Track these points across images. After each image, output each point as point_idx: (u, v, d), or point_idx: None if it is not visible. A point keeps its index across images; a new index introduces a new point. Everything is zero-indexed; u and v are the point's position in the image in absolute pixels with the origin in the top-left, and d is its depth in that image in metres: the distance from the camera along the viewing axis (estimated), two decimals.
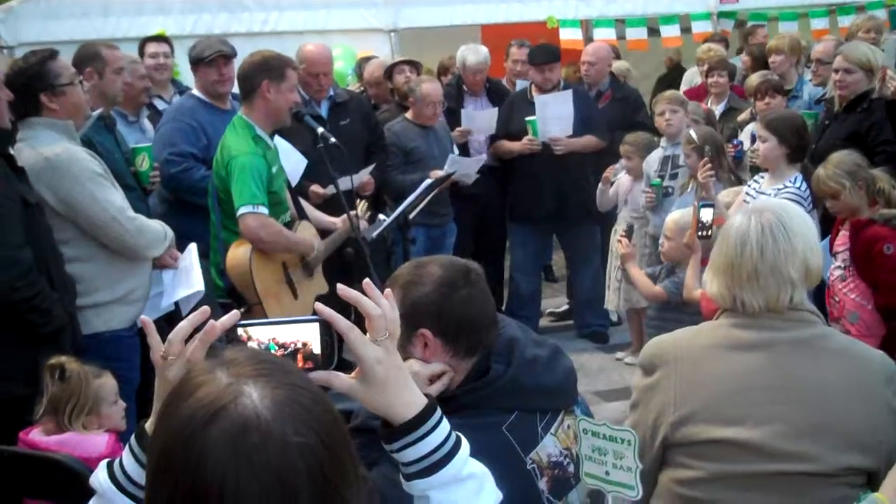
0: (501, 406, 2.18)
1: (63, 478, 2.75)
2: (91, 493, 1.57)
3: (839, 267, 4.42)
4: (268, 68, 4.35)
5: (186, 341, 1.51)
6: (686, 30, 9.42)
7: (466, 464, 1.56)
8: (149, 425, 1.54)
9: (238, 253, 4.25)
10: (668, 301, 4.88)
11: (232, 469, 1.08)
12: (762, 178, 4.97)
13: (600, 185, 6.40)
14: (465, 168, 6.43)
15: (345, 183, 4.76)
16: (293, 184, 5.06)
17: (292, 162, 5.15)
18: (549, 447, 2.21)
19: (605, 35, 8.87)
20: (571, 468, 2.22)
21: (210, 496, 1.09)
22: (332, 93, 6.01)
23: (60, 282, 3.72)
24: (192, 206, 4.93)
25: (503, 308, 6.84)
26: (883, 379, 2.39)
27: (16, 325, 3.52)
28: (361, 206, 4.86)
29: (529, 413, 2.21)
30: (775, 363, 2.37)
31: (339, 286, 1.55)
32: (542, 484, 2.18)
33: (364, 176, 5.72)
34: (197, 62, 5.38)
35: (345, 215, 4.62)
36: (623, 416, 2.70)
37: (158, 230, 4.16)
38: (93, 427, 3.16)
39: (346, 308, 1.56)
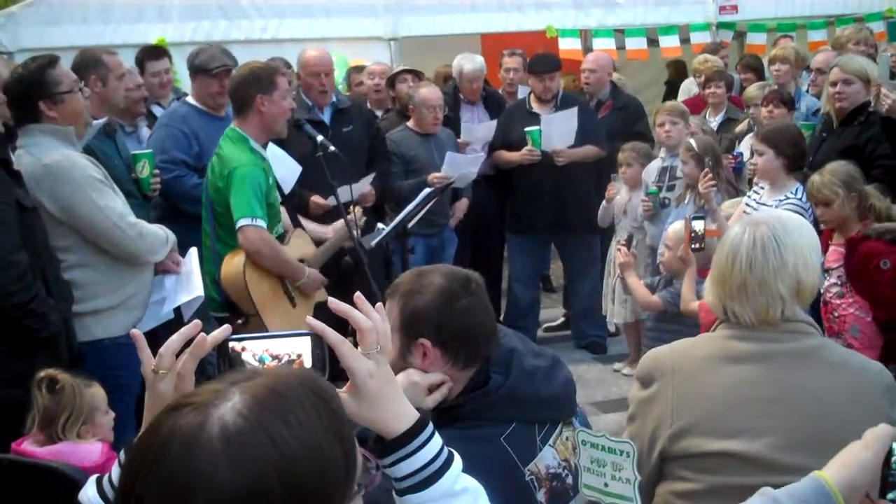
0: (500, 417, 2.17)
1: (58, 486, 2.74)
2: None
3: (836, 284, 4.42)
4: (257, 80, 4.32)
5: (177, 355, 1.50)
6: (685, 40, 9.44)
7: (459, 478, 1.56)
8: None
9: (232, 264, 4.24)
10: (664, 311, 4.89)
11: (151, 461, 1.09)
12: (763, 188, 4.97)
13: (603, 202, 6.41)
14: (464, 167, 6.41)
15: (345, 193, 4.76)
16: (286, 191, 5.05)
17: (286, 169, 5.14)
18: (547, 459, 2.20)
19: (604, 45, 8.90)
20: (570, 480, 2.21)
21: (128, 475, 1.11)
22: (334, 98, 6.00)
23: (57, 287, 3.71)
24: (185, 214, 4.91)
25: (501, 318, 6.83)
26: (880, 390, 2.39)
27: (11, 331, 3.50)
28: (357, 212, 4.84)
29: (528, 424, 2.21)
30: (773, 375, 2.37)
31: (331, 300, 1.56)
32: (541, 496, 2.17)
33: (364, 186, 5.70)
34: (199, 71, 5.31)
35: (336, 223, 4.60)
36: (621, 427, 2.69)
37: (160, 235, 4.15)
38: (87, 437, 3.14)
39: (342, 321, 1.56)
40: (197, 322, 1.52)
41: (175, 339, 1.51)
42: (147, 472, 1.08)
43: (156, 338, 3.90)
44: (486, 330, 2.20)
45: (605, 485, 2.06)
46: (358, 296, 1.57)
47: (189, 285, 4.14)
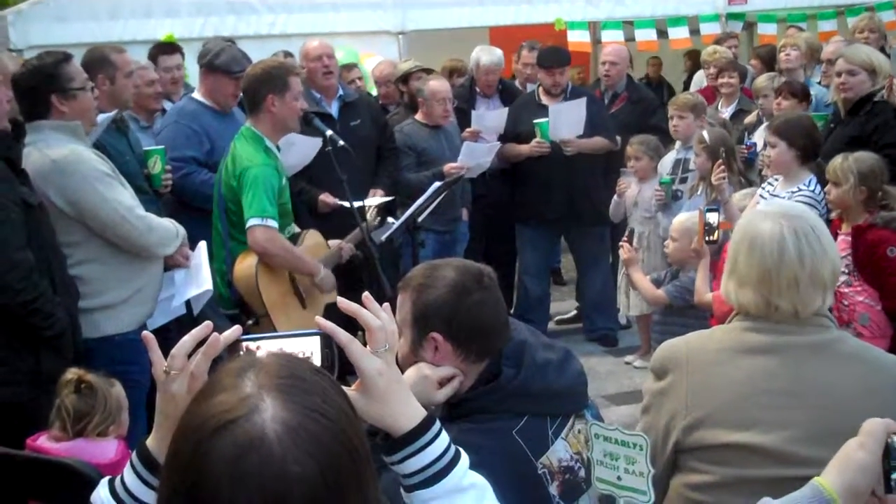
0: (512, 410, 2.17)
1: (74, 483, 2.74)
2: None
3: (843, 272, 4.40)
4: (270, 80, 4.32)
5: (189, 355, 1.51)
6: (694, 31, 9.41)
7: (466, 474, 1.57)
8: (150, 441, 1.54)
9: (244, 264, 4.24)
10: (670, 305, 4.89)
11: (227, 487, 1.07)
12: (776, 180, 4.95)
13: (615, 197, 6.40)
14: (481, 156, 6.42)
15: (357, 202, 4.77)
16: (299, 168, 5.12)
17: (304, 147, 5.17)
18: (560, 451, 2.20)
19: (612, 37, 8.85)
20: (582, 473, 2.21)
21: None
22: (341, 92, 6.00)
23: (63, 285, 3.70)
24: (194, 209, 4.91)
25: (512, 311, 6.82)
26: None
27: (17, 329, 3.50)
28: (372, 212, 4.87)
29: (540, 417, 2.21)
30: (788, 367, 2.36)
31: (339, 299, 1.58)
32: (553, 488, 2.17)
33: (376, 200, 5.74)
34: (219, 70, 5.22)
35: (338, 241, 4.63)
36: (633, 420, 2.69)
37: (170, 228, 4.14)
38: (112, 435, 3.14)
39: (349, 319, 1.57)
40: (208, 323, 1.53)
41: (187, 341, 1.51)
42: (232, 495, 1.06)
43: (167, 332, 3.90)
44: (498, 324, 2.20)
45: (618, 478, 2.05)
46: (366, 295, 1.60)
47: (198, 279, 4.14)
